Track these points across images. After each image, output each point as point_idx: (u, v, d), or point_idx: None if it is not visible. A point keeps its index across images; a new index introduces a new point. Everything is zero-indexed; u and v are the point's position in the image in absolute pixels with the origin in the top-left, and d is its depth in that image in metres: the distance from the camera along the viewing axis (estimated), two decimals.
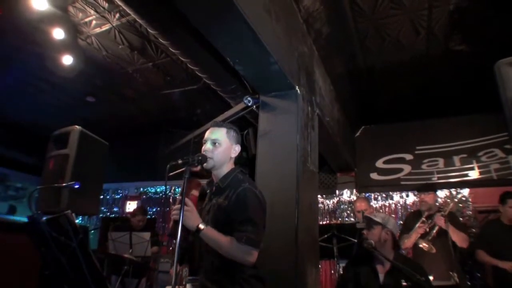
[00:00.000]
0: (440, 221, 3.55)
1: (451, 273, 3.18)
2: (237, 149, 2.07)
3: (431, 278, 3.17)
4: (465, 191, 5.55)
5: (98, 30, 4.06)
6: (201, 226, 1.81)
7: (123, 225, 4.94)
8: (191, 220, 1.81)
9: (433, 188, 3.93)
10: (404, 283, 2.29)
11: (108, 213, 7.92)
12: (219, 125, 2.08)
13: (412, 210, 5.58)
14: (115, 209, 7.92)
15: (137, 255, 4.34)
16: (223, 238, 1.81)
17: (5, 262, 4.36)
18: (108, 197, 7.99)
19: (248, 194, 1.88)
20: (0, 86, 5.35)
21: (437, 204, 3.80)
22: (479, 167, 5.36)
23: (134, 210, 5.16)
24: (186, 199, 1.82)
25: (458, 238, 3.49)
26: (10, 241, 4.14)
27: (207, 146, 2.00)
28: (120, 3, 2.99)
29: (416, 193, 5.80)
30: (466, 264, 4.45)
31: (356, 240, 3.68)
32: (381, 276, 2.57)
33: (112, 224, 5.51)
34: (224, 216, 1.89)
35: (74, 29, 3.95)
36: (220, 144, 2.00)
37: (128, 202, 7.82)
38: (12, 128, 6.81)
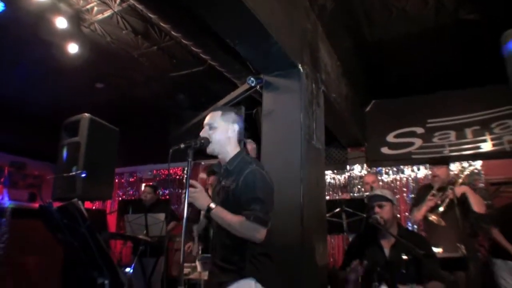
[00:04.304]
0: (463, 188, 3.55)
1: (458, 245, 3.20)
2: (234, 127, 2.09)
3: (440, 250, 3.23)
4: (478, 164, 5.49)
5: (100, 16, 4.07)
6: (212, 205, 1.89)
7: (139, 207, 5.08)
8: (201, 200, 1.90)
9: (446, 161, 3.89)
10: (405, 257, 2.33)
11: (124, 196, 8.15)
12: (215, 109, 2.14)
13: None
14: (130, 192, 8.13)
15: (153, 235, 4.47)
16: (232, 217, 1.87)
17: (30, 245, 4.58)
18: (123, 180, 8.19)
19: (256, 174, 1.93)
20: (11, 78, 5.44)
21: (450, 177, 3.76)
22: (491, 139, 5.25)
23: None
24: (194, 182, 1.90)
25: (477, 201, 3.46)
26: (32, 227, 4.33)
27: (204, 131, 2.07)
28: None
29: (428, 167, 5.78)
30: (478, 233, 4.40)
31: (365, 215, 3.73)
32: (387, 251, 2.61)
33: (128, 206, 5.68)
34: (232, 197, 1.95)
35: (76, 17, 3.97)
36: (215, 127, 2.05)
37: (143, 184, 8.01)
38: (26, 118, 6.96)
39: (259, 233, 1.85)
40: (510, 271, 3.64)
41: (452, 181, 3.70)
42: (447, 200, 3.56)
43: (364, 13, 4.04)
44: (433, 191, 3.68)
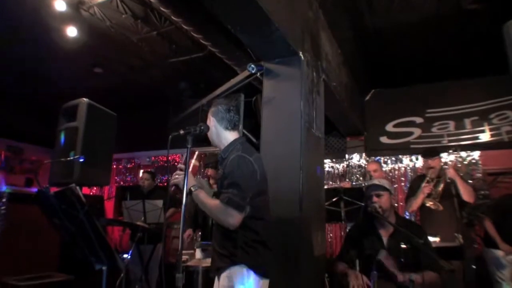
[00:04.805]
0: (450, 172, 3.60)
1: (456, 234, 3.23)
2: (218, 118, 2.14)
3: (437, 239, 3.26)
4: (475, 154, 5.51)
5: None
6: (193, 188, 1.93)
7: (137, 193, 5.09)
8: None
9: (437, 152, 3.92)
10: (404, 246, 2.35)
11: (122, 183, 8.14)
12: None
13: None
14: (128, 178, 8.12)
15: (151, 222, 4.49)
16: (210, 200, 1.94)
17: (27, 229, 4.60)
18: (121, 166, 8.18)
19: (238, 160, 1.95)
20: (8, 62, 5.38)
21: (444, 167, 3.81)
22: (490, 130, 5.29)
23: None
24: (183, 166, 1.95)
25: (465, 190, 3.53)
26: (29, 211, 4.34)
27: None
28: None
29: (421, 159, 5.81)
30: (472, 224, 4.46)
31: (363, 204, 3.74)
32: (385, 240, 2.63)
33: (126, 192, 5.69)
34: (221, 184, 2.00)
35: (76, 0, 3.90)
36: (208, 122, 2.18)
37: (141, 171, 8.00)
38: (24, 102, 6.91)
39: (233, 217, 1.84)
40: (498, 260, 3.71)
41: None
42: (441, 185, 3.62)
43: (366, 2, 4.00)
44: (427, 178, 3.72)
